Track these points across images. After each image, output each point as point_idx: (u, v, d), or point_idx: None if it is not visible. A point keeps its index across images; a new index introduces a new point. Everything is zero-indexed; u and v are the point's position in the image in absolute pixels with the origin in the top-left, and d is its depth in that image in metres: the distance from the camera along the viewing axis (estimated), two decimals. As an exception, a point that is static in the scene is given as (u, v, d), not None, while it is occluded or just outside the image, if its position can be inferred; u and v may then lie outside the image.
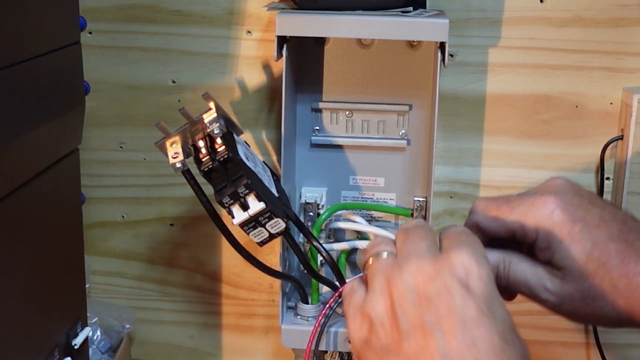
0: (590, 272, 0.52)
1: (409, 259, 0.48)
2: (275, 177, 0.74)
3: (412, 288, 0.46)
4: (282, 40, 0.74)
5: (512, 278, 0.55)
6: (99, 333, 0.85)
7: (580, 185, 0.54)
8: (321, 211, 0.82)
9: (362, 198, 0.85)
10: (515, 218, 0.54)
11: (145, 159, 0.89)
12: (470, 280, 0.46)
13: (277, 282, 0.87)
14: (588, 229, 0.52)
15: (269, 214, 0.64)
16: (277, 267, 0.77)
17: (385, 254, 0.50)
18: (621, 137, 0.84)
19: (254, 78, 0.85)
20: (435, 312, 0.46)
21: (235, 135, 0.68)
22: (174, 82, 0.86)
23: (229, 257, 0.90)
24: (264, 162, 0.73)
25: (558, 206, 0.52)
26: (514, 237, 0.55)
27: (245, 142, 0.71)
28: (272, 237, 0.67)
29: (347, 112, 0.83)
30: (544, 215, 0.53)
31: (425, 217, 0.80)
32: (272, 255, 0.85)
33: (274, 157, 0.87)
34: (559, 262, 0.53)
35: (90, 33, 0.84)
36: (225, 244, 0.86)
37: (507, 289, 0.55)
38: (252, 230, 0.66)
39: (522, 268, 0.55)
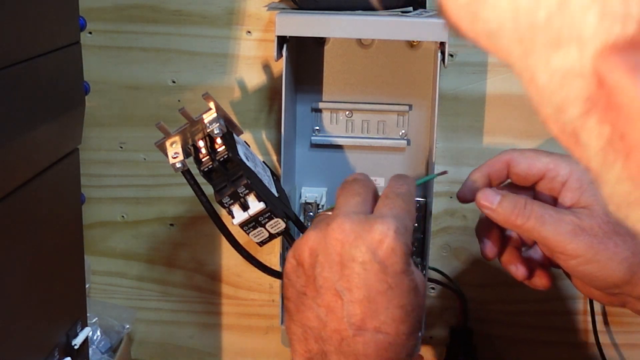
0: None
1: (336, 215, 0.53)
2: (275, 177, 0.74)
3: (332, 250, 0.51)
4: (282, 40, 0.74)
5: (534, 218, 0.58)
6: (99, 333, 0.85)
7: None
8: (321, 211, 0.82)
9: (362, 198, 0.85)
10: (550, 159, 0.59)
11: (145, 159, 0.89)
12: (385, 254, 0.50)
13: (277, 282, 0.87)
14: None
15: (269, 214, 0.65)
16: (277, 267, 0.77)
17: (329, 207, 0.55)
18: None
19: (254, 78, 0.85)
20: (347, 279, 0.51)
21: (235, 136, 0.68)
22: (174, 82, 0.86)
23: (229, 257, 0.90)
24: (263, 162, 0.73)
25: None
26: (541, 180, 0.59)
27: (245, 142, 0.71)
28: (272, 237, 0.67)
29: (347, 112, 0.83)
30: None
31: (425, 217, 0.80)
32: (272, 255, 0.85)
33: (274, 157, 0.87)
34: (587, 199, 0.57)
35: (90, 33, 0.84)
36: (225, 244, 0.86)
37: (527, 229, 0.57)
38: (252, 231, 0.66)
39: (545, 209, 0.58)
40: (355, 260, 0.51)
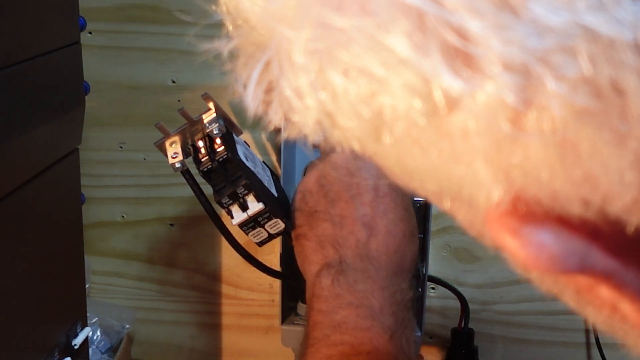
0: None
1: (330, 154, 0.62)
2: (275, 177, 0.74)
3: (337, 165, 0.58)
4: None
5: None
6: (98, 333, 0.85)
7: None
8: (321, 211, 0.82)
9: (362, 198, 0.85)
10: None
11: (145, 159, 0.88)
12: None
13: (277, 282, 0.87)
14: None
15: (268, 214, 0.65)
16: (277, 267, 0.77)
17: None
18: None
19: (254, 78, 0.85)
20: (357, 185, 0.57)
21: (234, 136, 0.67)
22: (174, 82, 0.86)
23: (229, 257, 0.90)
24: (263, 162, 0.73)
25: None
26: None
27: (245, 142, 0.71)
28: (271, 237, 0.67)
29: (347, 112, 0.83)
30: None
31: (425, 217, 0.80)
32: (272, 255, 0.85)
33: (274, 158, 0.87)
34: None
35: (90, 33, 0.84)
36: (225, 244, 0.86)
37: None
38: (251, 231, 0.66)
39: None
40: (362, 168, 0.57)
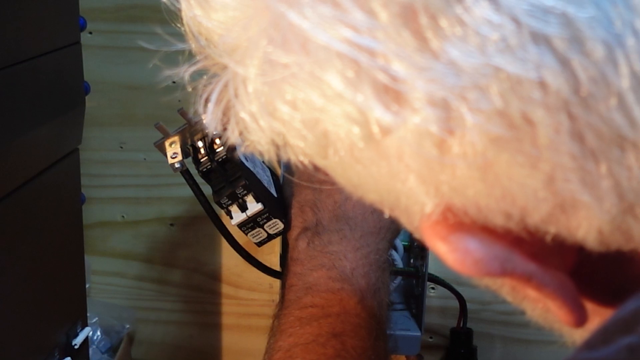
0: None
1: None
2: (276, 177, 0.74)
3: None
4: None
5: None
6: (99, 333, 0.85)
7: None
8: (321, 211, 0.82)
9: (361, 198, 0.85)
10: None
11: (145, 159, 0.89)
12: None
13: (277, 282, 0.87)
14: None
15: (267, 214, 0.65)
16: (277, 267, 0.77)
17: None
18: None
19: (254, 78, 0.85)
20: None
21: (234, 136, 0.68)
22: (174, 82, 0.86)
23: (229, 257, 0.90)
24: (263, 162, 0.73)
25: None
26: None
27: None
28: (270, 237, 0.67)
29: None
30: None
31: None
32: (272, 255, 0.85)
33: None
34: None
35: (90, 33, 0.84)
36: (225, 244, 0.86)
37: None
38: (250, 231, 0.66)
39: None
40: None
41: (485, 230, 0.25)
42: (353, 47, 0.22)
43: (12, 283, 0.52)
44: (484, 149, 0.23)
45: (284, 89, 0.24)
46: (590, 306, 0.29)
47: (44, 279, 0.57)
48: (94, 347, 0.83)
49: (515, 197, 0.24)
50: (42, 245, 0.56)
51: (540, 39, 0.21)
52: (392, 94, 0.22)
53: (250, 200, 0.64)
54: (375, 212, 0.60)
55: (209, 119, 0.28)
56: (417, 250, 0.80)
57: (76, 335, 0.63)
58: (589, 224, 0.24)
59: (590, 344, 0.24)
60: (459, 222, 0.25)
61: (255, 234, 0.66)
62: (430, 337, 0.90)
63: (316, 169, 0.28)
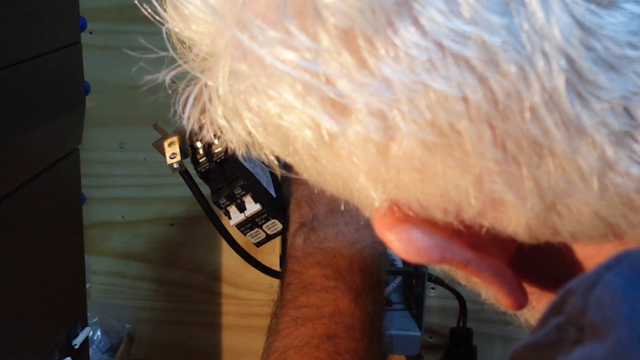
0: None
1: None
2: (275, 178, 0.74)
3: None
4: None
5: None
6: (99, 333, 0.85)
7: None
8: (321, 211, 0.82)
9: (361, 198, 0.85)
10: None
11: (145, 159, 0.89)
12: None
13: (277, 282, 0.87)
14: None
15: (266, 215, 0.65)
16: (277, 267, 0.77)
17: None
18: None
19: (254, 78, 0.85)
20: None
21: (234, 136, 0.68)
22: (174, 82, 0.86)
23: (229, 257, 0.90)
24: (263, 162, 0.73)
25: None
26: None
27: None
28: (269, 238, 0.67)
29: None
30: None
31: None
32: (272, 255, 0.85)
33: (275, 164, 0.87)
34: None
35: (90, 33, 0.84)
36: (224, 244, 0.86)
37: None
38: (249, 231, 0.66)
39: None
40: None
41: (428, 223, 0.28)
42: (297, 69, 0.25)
43: (12, 283, 0.52)
44: (420, 153, 0.26)
45: (248, 98, 0.28)
46: (537, 290, 0.33)
47: (44, 279, 0.57)
48: (94, 347, 0.83)
49: (450, 195, 0.27)
50: (42, 245, 0.56)
51: (461, 60, 0.24)
52: (337, 105, 0.26)
53: (248, 201, 0.64)
54: None
55: (187, 118, 0.31)
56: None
57: (76, 335, 0.63)
58: (517, 220, 0.27)
59: (533, 330, 0.26)
60: (404, 215, 0.28)
61: (254, 235, 0.66)
62: (430, 337, 0.90)
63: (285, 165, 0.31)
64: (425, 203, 0.28)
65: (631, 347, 0.22)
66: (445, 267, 0.33)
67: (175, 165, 0.64)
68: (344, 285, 0.56)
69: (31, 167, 0.54)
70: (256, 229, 0.66)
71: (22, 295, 0.53)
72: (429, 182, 0.27)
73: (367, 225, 0.60)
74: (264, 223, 0.65)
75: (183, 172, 0.65)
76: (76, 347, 0.62)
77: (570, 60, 0.24)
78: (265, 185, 0.67)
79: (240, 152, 0.31)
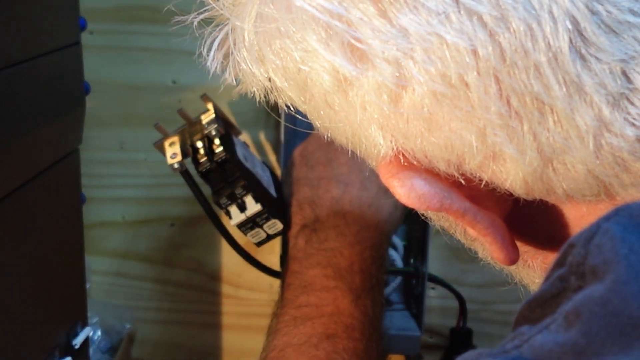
0: None
1: None
2: (275, 177, 0.74)
3: (317, 136, 0.60)
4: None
5: None
6: (99, 333, 0.85)
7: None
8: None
9: (362, 198, 0.85)
10: None
11: (145, 159, 0.89)
12: None
13: (277, 282, 0.87)
14: None
15: (266, 215, 0.65)
16: (278, 267, 0.77)
17: None
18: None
19: (254, 78, 0.85)
20: (335, 149, 0.60)
21: (233, 137, 0.68)
22: (174, 82, 0.86)
23: (229, 257, 0.90)
24: (263, 162, 0.73)
25: None
26: None
27: (244, 142, 0.71)
28: (270, 237, 0.67)
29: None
30: None
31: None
32: (272, 255, 0.85)
33: (274, 158, 0.87)
34: None
35: (90, 33, 0.84)
36: (225, 244, 0.86)
37: None
38: (249, 231, 0.66)
39: None
40: None
41: (431, 173, 0.30)
42: (324, 13, 0.26)
43: (12, 283, 0.52)
44: (429, 103, 0.27)
45: (272, 41, 0.29)
46: (532, 249, 0.34)
47: (44, 279, 0.57)
48: (94, 347, 0.83)
49: (454, 146, 0.28)
50: (42, 245, 0.56)
51: (474, 15, 0.25)
52: (356, 52, 0.27)
53: (249, 201, 0.64)
54: (372, 205, 0.60)
55: (211, 62, 0.33)
56: (416, 250, 0.80)
57: (76, 335, 0.63)
58: (515, 174, 0.28)
59: (540, 286, 0.27)
60: (409, 164, 0.30)
61: (255, 234, 0.66)
62: (430, 337, 0.90)
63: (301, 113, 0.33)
64: (430, 153, 0.29)
65: (628, 282, 0.23)
66: (444, 223, 0.35)
67: (175, 165, 0.64)
68: (344, 285, 0.56)
69: (31, 167, 0.54)
70: (257, 229, 0.66)
71: (22, 295, 0.53)
72: (435, 132, 0.28)
73: (368, 226, 0.60)
74: (265, 223, 0.65)
75: (184, 172, 0.65)
76: (76, 347, 0.62)
77: (575, 22, 0.25)
78: (265, 185, 0.68)
79: (257, 97, 0.33)
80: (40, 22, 0.54)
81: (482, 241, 0.33)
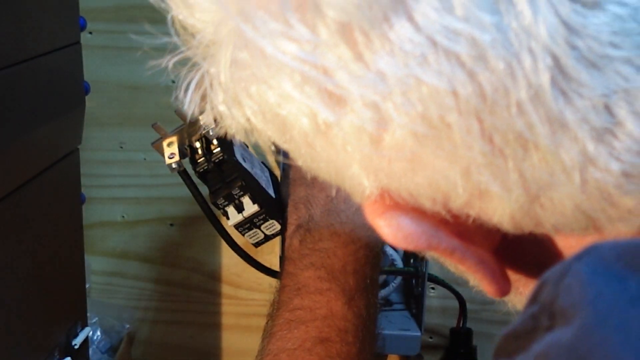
0: None
1: None
2: (274, 178, 0.74)
3: None
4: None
5: None
6: (99, 333, 0.85)
7: None
8: (321, 211, 0.82)
9: (361, 198, 0.85)
10: None
11: (145, 159, 0.89)
12: None
13: (277, 282, 0.87)
14: None
15: (264, 215, 0.65)
16: (277, 267, 0.77)
17: None
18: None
19: (254, 78, 0.85)
20: None
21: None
22: (174, 82, 0.86)
23: (229, 257, 0.90)
24: (262, 162, 0.73)
25: None
26: None
27: (244, 143, 0.71)
28: (267, 238, 0.67)
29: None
30: None
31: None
32: (272, 255, 0.85)
33: (273, 158, 0.87)
34: None
35: (90, 33, 0.84)
36: (224, 244, 0.86)
37: None
38: (247, 232, 0.66)
39: None
40: None
41: (417, 211, 0.30)
42: (297, 61, 0.26)
43: (12, 283, 0.52)
44: (411, 144, 0.27)
45: (247, 85, 0.29)
46: (523, 277, 0.34)
47: (44, 279, 0.57)
48: (94, 347, 0.83)
49: (439, 185, 0.28)
50: (42, 245, 0.56)
51: (452, 56, 0.25)
52: (333, 96, 0.27)
53: (246, 201, 0.64)
54: None
55: (188, 104, 0.32)
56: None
57: (76, 335, 0.63)
58: (502, 211, 0.28)
59: (513, 321, 0.27)
60: (394, 203, 0.30)
61: (253, 235, 0.66)
62: (430, 337, 0.90)
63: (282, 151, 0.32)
64: (415, 192, 0.29)
65: (594, 330, 0.23)
66: (434, 254, 0.34)
67: (173, 165, 0.64)
68: (337, 287, 0.56)
69: (31, 167, 0.54)
70: (254, 230, 0.66)
71: (21, 295, 0.53)
72: (419, 172, 0.28)
73: (363, 226, 0.60)
74: (263, 223, 0.65)
75: (182, 172, 0.65)
76: (76, 347, 0.62)
77: (555, 58, 0.25)
78: (264, 186, 0.67)
79: (238, 139, 0.32)
80: (40, 22, 0.54)
81: (473, 275, 0.33)
